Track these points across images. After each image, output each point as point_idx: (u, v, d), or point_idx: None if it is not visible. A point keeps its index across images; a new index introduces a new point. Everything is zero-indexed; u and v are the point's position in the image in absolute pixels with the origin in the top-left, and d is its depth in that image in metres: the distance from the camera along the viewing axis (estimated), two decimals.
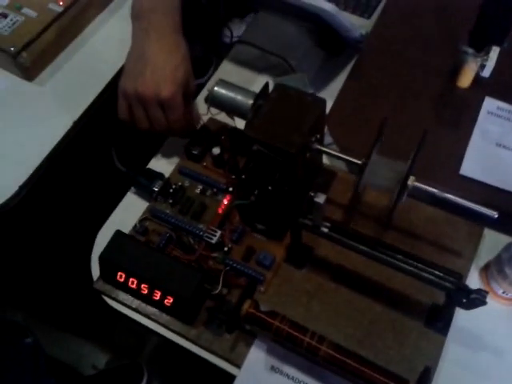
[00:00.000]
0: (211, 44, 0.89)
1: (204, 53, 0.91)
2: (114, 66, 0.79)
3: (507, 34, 0.57)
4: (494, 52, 0.56)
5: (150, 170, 0.68)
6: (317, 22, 0.81)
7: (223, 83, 0.61)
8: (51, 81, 0.80)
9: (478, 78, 0.68)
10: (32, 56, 0.78)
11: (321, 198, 0.47)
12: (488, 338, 0.57)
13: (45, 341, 1.20)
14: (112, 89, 0.79)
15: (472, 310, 0.57)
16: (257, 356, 0.56)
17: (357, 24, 0.76)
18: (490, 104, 0.67)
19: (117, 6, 0.89)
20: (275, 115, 0.55)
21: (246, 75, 0.77)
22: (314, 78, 0.77)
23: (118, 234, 0.60)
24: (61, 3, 0.81)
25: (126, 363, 1.22)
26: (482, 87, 0.68)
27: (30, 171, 0.70)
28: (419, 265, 0.49)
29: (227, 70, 0.80)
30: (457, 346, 0.57)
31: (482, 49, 0.57)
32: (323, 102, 0.55)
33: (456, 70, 0.68)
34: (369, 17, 0.82)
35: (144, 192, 0.67)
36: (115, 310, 0.61)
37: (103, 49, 0.84)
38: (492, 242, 0.62)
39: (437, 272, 0.49)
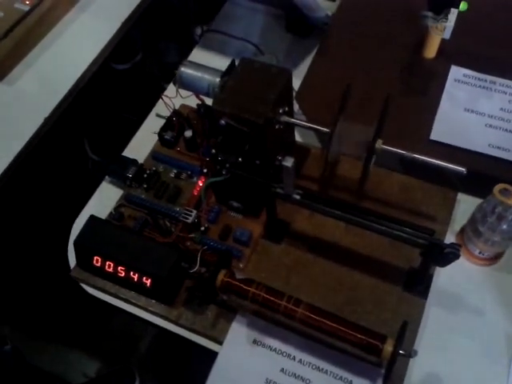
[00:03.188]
0: (186, 44, 0.90)
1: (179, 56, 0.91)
2: (84, 63, 0.80)
3: None
4: (453, 14, 0.57)
5: (123, 156, 0.68)
6: (284, 6, 0.82)
7: (190, 63, 0.61)
8: (21, 80, 0.80)
9: (443, 49, 0.69)
10: (0, 56, 0.78)
11: (289, 162, 0.47)
12: (468, 299, 0.58)
13: (31, 351, 1.20)
14: (83, 84, 0.80)
15: (451, 273, 0.58)
16: (238, 331, 0.55)
17: (323, 6, 0.78)
18: (456, 72, 0.68)
19: (85, 4, 0.89)
20: (241, 88, 0.55)
21: (216, 62, 0.77)
22: (284, 61, 0.78)
23: (92, 218, 0.59)
24: (27, 2, 0.81)
25: (116, 368, 1.21)
26: (447, 57, 0.69)
27: (4, 167, 0.70)
28: (391, 224, 0.49)
29: (197, 57, 0.79)
30: (438, 308, 0.57)
31: (440, 12, 0.58)
32: (288, 72, 0.55)
33: (421, 43, 0.69)
34: None
35: (118, 179, 0.67)
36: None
37: (72, 46, 0.84)
38: (467, 206, 0.62)
39: (409, 229, 0.49)
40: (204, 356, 0.56)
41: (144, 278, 0.56)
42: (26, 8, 0.80)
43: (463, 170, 0.51)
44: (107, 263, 0.57)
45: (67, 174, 0.87)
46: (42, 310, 1.23)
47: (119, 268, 0.57)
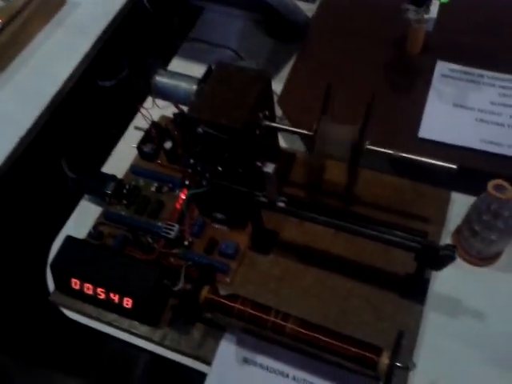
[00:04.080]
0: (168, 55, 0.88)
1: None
2: (60, 79, 0.77)
3: None
4: (434, 5, 0.55)
5: (101, 173, 0.65)
6: (263, 11, 0.80)
7: (165, 72, 0.59)
8: None
9: (428, 43, 0.67)
10: None
11: (270, 168, 0.45)
12: (467, 302, 0.55)
13: (24, 379, 1.16)
14: (60, 100, 0.78)
15: (448, 276, 0.55)
16: (227, 349, 0.52)
17: (302, 8, 0.76)
18: (442, 67, 0.66)
19: (61, 19, 0.87)
20: (218, 94, 0.53)
21: (195, 70, 0.75)
22: (266, 66, 0.76)
23: (69, 239, 0.57)
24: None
25: None
26: (432, 51, 0.67)
27: None
28: (382, 228, 0.47)
29: (176, 67, 0.78)
30: (436, 313, 0.54)
31: (422, 4, 0.56)
32: (266, 75, 0.53)
33: (405, 38, 0.67)
34: (313, 0, 0.81)
35: (97, 197, 0.64)
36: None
37: (48, 62, 0.82)
38: (461, 205, 0.60)
39: (400, 233, 0.46)
40: (202, 377, 0.53)
41: (125, 299, 0.53)
42: None
43: (454, 166, 0.48)
44: (86, 285, 0.54)
45: (45, 193, 0.84)
46: (30, 336, 1.19)
47: (98, 290, 0.54)
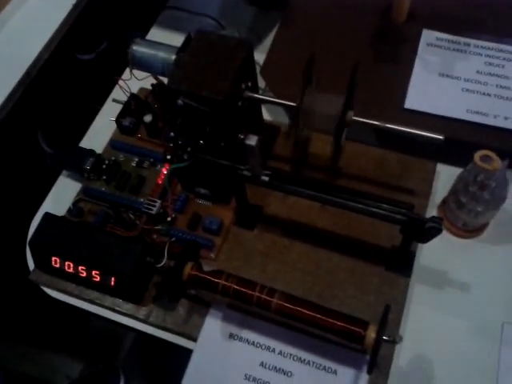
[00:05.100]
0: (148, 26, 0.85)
1: None
2: (35, 48, 0.74)
3: None
4: None
5: (78, 148, 0.63)
6: None
7: (142, 41, 0.56)
8: None
9: (413, 11, 0.65)
10: None
11: (252, 140, 0.43)
12: (454, 274, 0.54)
13: (12, 357, 1.15)
14: (35, 72, 0.74)
15: (434, 249, 0.54)
16: (213, 325, 0.52)
17: None
18: (428, 35, 0.64)
19: None
20: (198, 64, 0.51)
21: (175, 40, 0.72)
22: (248, 35, 0.74)
23: (48, 216, 0.55)
24: None
25: (100, 368, 1.17)
26: (418, 20, 0.65)
27: None
28: (367, 201, 0.46)
29: (155, 37, 0.75)
30: (423, 286, 0.54)
31: None
32: (248, 43, 0.51)
33: (390, 6, 0.65)
34: None
35: (76, 172, 0.62)
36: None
37: (20, 34, 0.78)
38: (447, 177, 0.59)
39: (386, 205, 0.45)
40: (190, 352, 0.52)
41: (107, 277, 0.52)
42: None
43: (441, 137, 0.47)
44: (66, 263, 0.53)
45: (23, 169, 0.81)
46: (13, 314, 1.18)
47: (80, 268, 0.53)
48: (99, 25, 1.07)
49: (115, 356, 1.20)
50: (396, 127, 0.48)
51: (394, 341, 0.41)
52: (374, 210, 0.45)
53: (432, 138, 0.47)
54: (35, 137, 0.63)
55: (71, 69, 0.96)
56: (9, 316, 1.18)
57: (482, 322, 0.52)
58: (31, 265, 0.58)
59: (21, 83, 0.73)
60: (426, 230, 0.45)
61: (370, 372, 0.42)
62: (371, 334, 0.42)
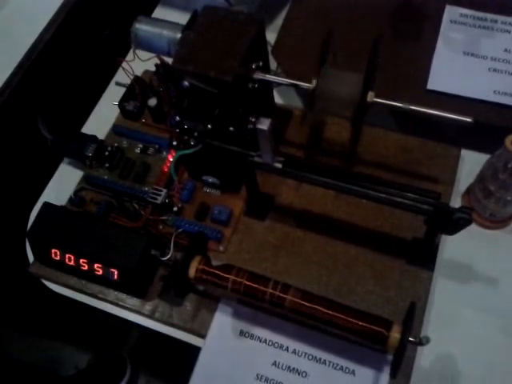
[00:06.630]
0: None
1: None
2: (37, 28, 0.71)
3: None
4: None
5: (80, 133, 0.60)
6: None
7: (145, 19, 0.53)
8: None
9: None
10: None
11: (264, 124, 0.40)
12: (480, 267, 0.51)
13: (20, 348, 1.14)
14: (36, 54, 0.71)
15: (459, 240, 0.50)
16: (222, 322, 0.49)
17: None
18: (451, 12, 0.60)
19: None
20: (205, 42, 0.47)
21: (181, 19, 0.69)
22: (258, 13, 0.70)
23: (47, 205, 0.52)
24: None
25: (107, 356, 1.15)
26: None
27: None
28: (390, 189, 0.42)
29: (160, 16, 0.71)
30: (446, 280, 0.50)
31: None
32: (259, 19, 0.47)
33: None
34: None
35: (77, 160, 0.59)
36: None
37: (22, 12, 0.75)
38: (471, 163, 0.55)
39: (411, 194, 0.42)
40: (198, 348, 0.50)
41: (110, 270, 0.49)
42: None
43: (470, 120, 0.43)
44: (67, 256, 0.50)
45: (22, 157, 0.79)
46: (18, 305, 1.16)
47: (81, 261, 0.50)
48: (103, 9, 1.04)
49: (122, 346, 1.19)
50: (422, 109, 0.44)
51: (421, 342, 0.37)
52: (398, 199, 0.41)
53: (461, 120, 0.43)
54: (35, 123, 0.59)
55: (73, 52, 0.93)
56: (16, 307, 1.16)
57: (510, 318, 0.48)
58: (31, 257, 0.55)
59: (20, 66, 0.70)
60: (454, 221, 0.41)
61: (394, 376, 0.39)
62: (395, 334, 0.38)
